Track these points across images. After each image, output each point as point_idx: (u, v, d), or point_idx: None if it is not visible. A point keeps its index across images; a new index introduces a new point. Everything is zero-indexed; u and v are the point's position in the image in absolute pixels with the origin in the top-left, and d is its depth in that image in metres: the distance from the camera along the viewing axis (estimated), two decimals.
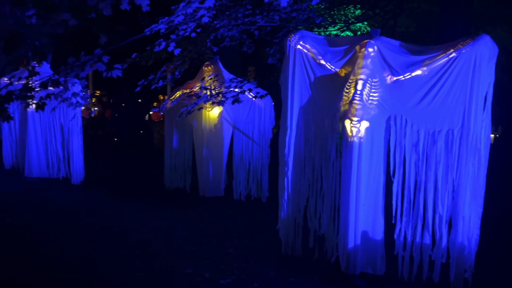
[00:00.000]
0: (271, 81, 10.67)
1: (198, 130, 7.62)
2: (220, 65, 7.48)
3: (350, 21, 8.40)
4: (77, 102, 4.38)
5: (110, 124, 13.31)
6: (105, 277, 4.09)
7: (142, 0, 3.41)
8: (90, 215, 6.26)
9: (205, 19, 4.46)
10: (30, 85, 3.51)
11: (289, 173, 4.62)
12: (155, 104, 16.75)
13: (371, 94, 4.02)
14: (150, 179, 8.89)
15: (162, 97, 21.30)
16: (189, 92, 6.78)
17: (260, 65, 13.05)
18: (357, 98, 4.00)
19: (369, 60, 4.01)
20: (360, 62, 4.03)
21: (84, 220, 5.97)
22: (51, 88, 3.84)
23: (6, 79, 8.50)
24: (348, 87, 4.12)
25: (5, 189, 7.47)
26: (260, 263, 4.61)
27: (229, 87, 5.71)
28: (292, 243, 4.72)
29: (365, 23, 9.88)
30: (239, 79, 6.08)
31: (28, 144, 8.63)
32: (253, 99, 7.15)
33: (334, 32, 8.41)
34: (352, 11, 9.30)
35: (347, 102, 4.10)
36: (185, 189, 8.04)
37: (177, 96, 7.73)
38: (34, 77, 3.61)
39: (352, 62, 4.16)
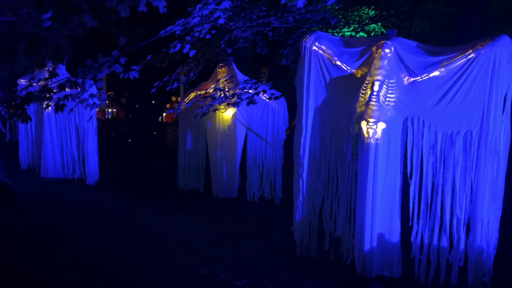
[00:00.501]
0: (284, 83, 10.65)
1: (212, 131, 7.63)
2: (234, 66, 7.49)
3: (364, 22, 8.34)
4: (94, 103, 4.43)
5: (124, 125, 13.40)
6: (122, 277, 4.12)
7: (159, 2, 3.42)
8: (105, 216, 6.31)
9: (221, 21, 4.47)
10: (49, 87, 3.55)
11: (304, 175, 4.60)
12: (168, 105, 16.83)
13: (388, 95, 3.99)
14: (164, 180, 8.93)
15: (175, 99, 21.42)
16: (204, 94, 6.79)
17: (273, 67, 13.05)
18: (374, 99, 3.97)
19: (386, 61, 3.98)
20: (377, 63, 4.00)
21: (99, 221, 6.02)
22: (68, 89, 3.89)
23: (23, 80, 8.65)
24: (364, 88, 4.09)
25: (22, 189, 7.55)
26: (275, 265, 4.60)
27: (243, 88, 5.71)
28: (307, 245, 4.70)
29: (379, 24, 9.82)
30: (254, 80, 6.08)
31: (44, 145, 8.73)
32: (267, 100, 7.13)
33: (348, 34, 8.38)
34: (366, 12, 9.25)
35: (364, 103, 4.08)
36: (198, 190, 8.06)
37: (191, 97, 7.76)
38: (46, 79, 3.67)
39: (368, 63, 4.13)
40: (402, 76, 4.00)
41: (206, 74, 7.83)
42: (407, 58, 3.99)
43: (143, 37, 2.94)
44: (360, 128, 4.14)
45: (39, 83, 3.73)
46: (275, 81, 6.27)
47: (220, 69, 7.51)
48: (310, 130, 4.54)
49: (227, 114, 7.41)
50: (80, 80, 3.65)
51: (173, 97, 20.59)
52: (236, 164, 7.64)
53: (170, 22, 4.59)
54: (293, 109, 8.24)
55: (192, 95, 7.81)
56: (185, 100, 7.93)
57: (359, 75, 4.23)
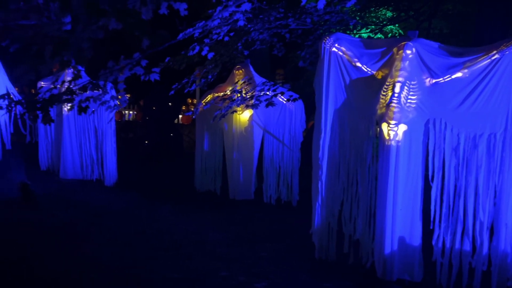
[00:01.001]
0: (301, 84, 10.61)
1: (229, 133, 7.65)
2: (251, 68, 7.50)
3: (382, 24, 8.28)
4: (115, 105, 4.48)
5: (141, 127, 13.52)
6: (140, 278, 4.14)
7: (180, 5, 3.44)
8: (124, 217, 6.36)
9: (241, 23, 4.48)
10: (71, 89, 3.59)
11: (323, 177, 4.57)
12: (183, 107, 16.94)
13: (409, 96, 3.95)
14: (181, 182, 8.97)
15: (190, 101, 21.54)
16: (222, 96, 6.81)
17: (288, 68, 13.03)
18: (395, 101, 3.93)
19: (407, 62, 3.94)
20: (398, 64, 3.96)
21: (117, 221, 6.07)
22: (89, 91, 3.93)
23: (43, 83, 8.78)
24: (385, 90, 4.05)
25: (41, 190, 7.64)
26: (293, 268, 4.58)
27: (262, 90, 5.71)
28: (326, 247, 4.66)
29: (397, 25, 9.73)
30: (271, 82, 6.08)
31: (63, 146, 8.86)
32: (285, 102, 7.12)
33: (365, 35, 8.32)
34: (383, 13, 9.18)
35: (384, 105, 4.04)
36: (215, 192, 8.08)
37: (208, 99, 7.78)
38: (70, 81, 3.71)
39: (389, 64, 4.09)
40: (424, 77, 3.95)
41: (224, 76, 7.87)
42: (429, 59, 3.94)
43: (165, 39, 2.96)
44: (380, 130, 4.11)
45: (61, 86, 3.77)
46: (291, 83, 6.26)
47: (237, 71, 7.52)
48: (329, 132, 4.51)
49: (244, 116, 7.41)
50: (102, 82, 3.69)
51: (188, 99, 20.71)
52: (253, 166, 7.64)
53: (190, 24, 4.61)
54: (310, 111, 8.25)
55: (209, 97, 7.84)
56: (203, 102, 7.97)
57: (379, 77, 4.19)
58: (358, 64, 4.29)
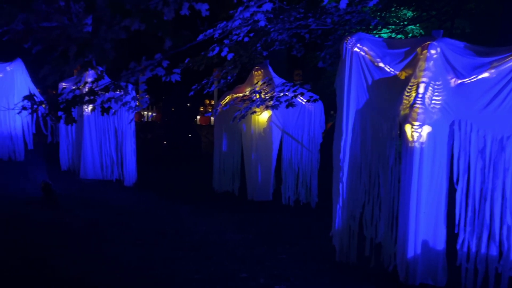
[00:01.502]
0: (319, 85, 10.55)
1: (247, 134, 7.64)
2: (270, 69, 7.47)
3: (404, 23, 8.17)
4: (136, 105, 4.50)
5: (160, 128, 13.61)
6: (161, 279, 4.14)
7: (201, 5, 3.43)
8: (143, 217, 6.40)
9: (262, 23, 4.45)
10: (93, 89, 3.62)
11: (344, 179, 4.51)
12: (201, 108, 17.00)
13: (433, 97, 3.87)
14: (199, 182, 8.99)
15: (208, 101, 21.61)
16: (242, 97, 6.80)
17: (307, 69, 12.97)
18: (419, 102, 3.86)
19: (432, 62, 3.86)
20: (422, 64, 3.89)
21: (138, 222, 6.10)
22: (111, 92, 3.95)
23: (64, 84, 8.90)
24: (409, 91, 3.98)
25: (62, 190, 7.73)
26: (314, 270, 4.52)
27: (281, 91, 5.67)
28: (346, 250, 4.60)
29: (417, 25, 9.59)
30: (291, 83, 6.04)
31: (83, 147, 8.96)
32: (304, 103, 7.06)
33: (385, 35, 8.21)
34: (404, 13, 9.05)
35: (408, 106, 3.96)
36: (233, 193, 8.07)
37: (227, 100, 7.79)
38: (92, 82, 3.73)
39: (413, 64, 4.01)
40: (449, 77, 3.87)
41: (243, 77, 7.86)
42: (454, 59, 3.86)
43: (188, 40, 2.95)
44: (403, 132, 4.03)
45: (83, 86, 3.80)
46: (309, 83, 6.23)
47: (256, 72, 7.50)
48: (351, 133, 4.46)
49: (262, 116, 7.38)
50: (123, 83, 3.70)
51: (206, 100, 20.78)
52: (271, 167, 7.61)
53: (211, 25, 4.60)
54: (328, 112, 8.16)
55: (228, 98, 7.84)
56: (222, 103, 7.97)
57: (403, 77, 4.12)
58: (381, 64, 4.22)
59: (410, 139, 3.95)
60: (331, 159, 4.63)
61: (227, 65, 6.32)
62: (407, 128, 3.97)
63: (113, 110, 3.80)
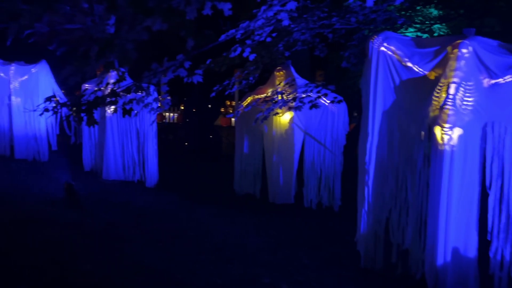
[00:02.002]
0: (342, 86, 10.37)
1: (269, 135, 7.54)
2: (292, 69, 7.37)
3: (430, 22, 7.94)
4: (158, 107, 4.46)
5: (181, 129, 13.65)
6: (183, 283, 4.08)
7: (224, 5, 3.35)
8: (165, 218, 6.37)
9: (285, 22, 4.35)
10: (115, 91, 3.58)
11: (370, 182, 4.37)
12: (222, 109, 17.02)
13: (465, 98, 3.70)
14: (220, 184, 8.94)
15: (229, 103, 21.62)
16: (264, 98, 6.71)
17: (329, 69, 12.80)
18: (449, 103, 3.70)
19: (463, 61, 3.70)
20: (453, 64, 3.73)
21: (159, 223, 6.08)
22: (133, 93, 3.91)
23: (87, 85, 8.97)
24: (438, 91, 3.82)
25: (85, 191, 7.78)
26: (338, 276, 4.40)
27: (305, 91, 5.56)
28: (372, 256, 4.46)
29: (443, 24, 9.31)
30: (314, 84, 5.92)
31: (106, 148, 9.01)
32: (327, 103, 6.92)
33: (409, 35, 7.99)
34: (430, 11, 8.80)
35: (438, 107, 3.81)
36: (254, 195, 7.98)
37: (248, 101, 7.71)
38: (114, 83, 3.71)
39: (443, 64, 3.85)
40: (481, 78, 3.70)
41: (264, 78, 7.77)
42: (487, 59, 3.69)
43: (211, 39, 2.88)
44: (433, 134, 3.88)
45: (105, 88, 3.77)
46: (331, 84, 6.10)
47: (278, 73, 7.41)
48: (377, 135, 4.32)
49: (284, 118, 7.28)
50: (145, 85, 3.66)
51: (227, 101, 20.79)
52: (293, 169, 7.50)
53: (233, 25, 4.53)
54: (351, 113, 7.99)
55: (249, 99, 7.77)
56: (243, 104, 7.90)
57: (432, 77, 3.96)
58: (409, 64, 4.07)
59: (440, 141, 3.79)
60: (354, 161, 4.50)
61: (249, 66, 6.23)
62: (437, 130, 3.81)
63: (135, 112, 3.77)
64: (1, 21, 2.46)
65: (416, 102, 4.07)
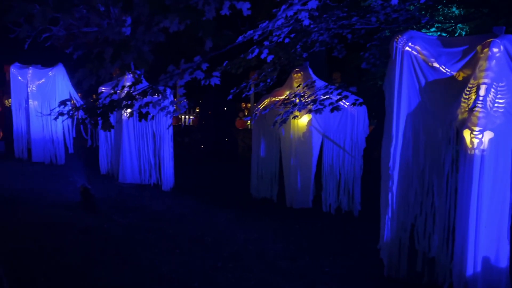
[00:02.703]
0: (361, 87, 10.17)
1: (286, 138, 7.40)
2: (310, 71, 7.22)
3: (452, 22, 7.71)
4: (174, 110, 4.37)
5: (197, 132, 13.58)
6: None
7: (242, 4, 3.23)
8: (181, 223, 6.27)
9: (306, 22, 4.21)
10: (131, 94, 3.49)
11: (394, 188, 4.20)
12: (240, 114, 16.92)
13: (496, 100, 3.52)
14: (236, 188, 8.82)
15: (244, 105, 21.51)
16: (282, 100, 6.56)
17: (347, 70, 12.61)
18: (479, 105, 3.52)
19: (494, 61, 3.52)
20: (483, 64, 3.55)
21: (176, 228, 5.97)
22: (149, 96, 3.81)
23: (104, 88, 8.95)
24: (467, 93, 3.64)
25: (101, 194, 7.73)
26: (360, 285, 4.24)
27: (326, 93, 5.39)
28: (396, 265, 4.28)
29: (465, 23, 9.06)
30: (334, 86, 5.75)
31: (122, 151, 8.97)
32: (346, 106, 6.75)
33: (430, 34, 7.75)
34: (452, 11, 8.56)
35: (467, 109, 3.63)
36: (272, 199, 7.83)
37: (265, 103, 7.58)
38: (130, 86, 3.61)
39: (472, 64, 3.68)
40: None
41: (281, 80, 7.62)
42: None
43: (230, 40, 2.76)
44: (461, 137, 3.70)
45: (121, 91, 3.68)
46: (349, 85, 5.91)
47: (295, 74, 7.27)
48: (401, 138, 4.14)
49: (302, 121, 7.13)
50: (161, 87, 3.55)
51: (242, 103, 20.67)
52: (311, 173, 7.33)
53: (252, 25, 4.41)
54: (370, 115, 7.78)
55: (266, 101, 7.64)
56: (260, 106, 7.77)
57: (460, 78, 3.78)
58: (436, 65, 3.90)
59: (470, 145, 3.61)
60: (371, 164, 4.32)
61: (266, 67, 6.11)
62: (466, 133, 3.63)
63: (151, 115, 3.66)
64: (14, 23, 2.40)
65: (443, 104, 3.89)
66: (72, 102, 3.89)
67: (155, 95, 3.49)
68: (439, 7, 8.32)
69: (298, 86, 6.31)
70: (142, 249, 5.05)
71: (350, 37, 6.24)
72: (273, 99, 7.52)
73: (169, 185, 8.53)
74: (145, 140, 8.85)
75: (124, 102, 3.41)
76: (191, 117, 17.11)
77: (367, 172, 7.12)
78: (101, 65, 2.47)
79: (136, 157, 9.01)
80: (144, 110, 3.66)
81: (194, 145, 13.55)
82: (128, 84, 3.57)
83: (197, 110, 14.33)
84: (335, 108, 4.90)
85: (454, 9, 8.41)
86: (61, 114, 3.22)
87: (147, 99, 3.78)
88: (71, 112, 3.20)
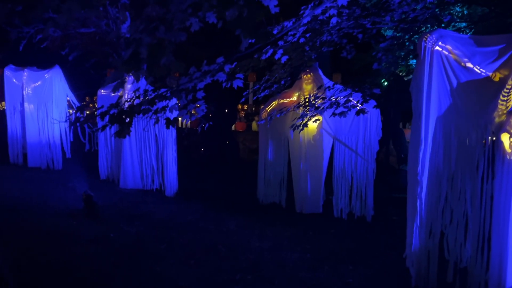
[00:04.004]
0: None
1: (295, 141, 7.18)
2: (320, 72, 7.01)
3: (476, 20, 7.54)
4: (193, 114, 4.12)
5: (195, 134, 13.31)
6: None
7: (269, 1, 3.00)
8: (191, 231, 6.02)
9: (334, 20, 4.00)
10: (150, 98, 3.25)
11: (423, 195, 3.99)
12: (242, 113, 16.68)
13: None
14: (241, 192, 8.59)
15: (240, 107, 21.25)
16: (298, 102, 6.34)
17: (351, 71, 12.45)
18: None
19: None
20: None
21: (187, 236, 5.72)
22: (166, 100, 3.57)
23: (103, 91, 8.66)
24: (505, 95, 3.46)
25: (103, 201, 7.45)
26: None
27: (349, 95, 5.18)
28: (425, 275, 4.07)
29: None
30: (349, 90, 5.54)
31: (123, 155, 8.67)
32: (359, 107, 6.53)
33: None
34: (472, 10, 8.39)
35: (505, 112, 3.45)
36: (280, 204, 7.60)
37: (273, 106, 7.37)
38: (154, 89, 3.38)
39: (510, 64, 3.49)
40: None
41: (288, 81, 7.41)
42: None
43: (266, 38, 2.53)
44: (498, 141, 3.50)
45: (137, 96, 3.43)
46: (372, 87, 5.73)
47: (305, 75, 7.05)
48: (431, 143, 3.94)
49: (312, 123, 6.91)
50: (183, 92, 3.31)
51: (239, 105, 20.42)
52: (322, 177, 7.13)
53: (277, 23, 4.19)
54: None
55: (274, 103, 7.43)
56: (267, 109, 7.56)
57: (497, 79, 3.59)
58: (469, 65, 3.70)
59: (508, 150, 3.42)
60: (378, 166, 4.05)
61: (279, 69, 5.89)
62: (504, 137, 3.44)
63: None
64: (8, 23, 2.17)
65: (478, 107, 3.69)
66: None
67: (178, 98, 3.25)
68: (458, 5, 8.13)
69: (319, 87, 6.03)
70: (155, 260, 4.79)
71: (361, 36, 6.05)
72: (281, 101, 7.31)
73: (173, 190, 8.26)
74: (147, 144, 8.55)
75: (143, 107, 3.17)
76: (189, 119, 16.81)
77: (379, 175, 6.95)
78: (137, 66, 2.22)
79: (137, 161, 8.72)
80: (160, 115, 3.44)
81: (194, 147, 13.28)
82: (129, 86, 3.34)
83: (193, 112, 14.03)
84: (361, 111, 4.69)
85: (458, 8, 8.26)
86: (77, 119, 2.97)
87: (163, 103, 3.54)
88: (82, 118, 2.98)
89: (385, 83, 11.41)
